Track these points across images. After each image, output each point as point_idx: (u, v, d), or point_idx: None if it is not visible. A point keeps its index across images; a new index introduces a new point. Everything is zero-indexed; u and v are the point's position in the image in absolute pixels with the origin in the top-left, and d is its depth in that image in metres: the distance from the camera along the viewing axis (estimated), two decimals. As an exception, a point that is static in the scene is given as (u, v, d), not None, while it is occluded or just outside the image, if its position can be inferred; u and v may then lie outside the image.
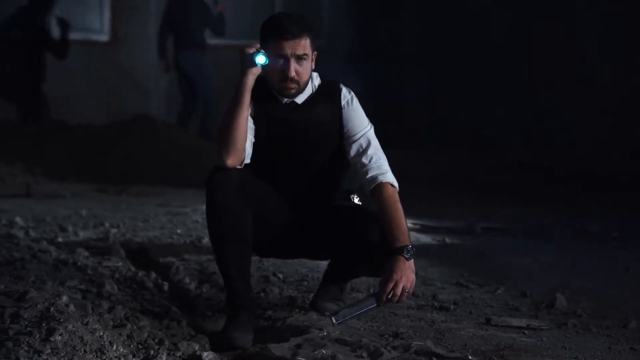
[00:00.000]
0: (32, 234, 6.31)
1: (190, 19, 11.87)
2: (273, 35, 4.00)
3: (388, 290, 3.87)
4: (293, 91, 4.07)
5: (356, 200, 4.31)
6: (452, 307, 4.59)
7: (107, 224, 6.90)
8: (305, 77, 4.06)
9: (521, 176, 10.24)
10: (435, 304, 4.65)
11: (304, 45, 4.00)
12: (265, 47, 4.00)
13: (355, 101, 4.18)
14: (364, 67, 12.76)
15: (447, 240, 6.64)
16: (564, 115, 10.78)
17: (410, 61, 13.66)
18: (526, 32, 11.56)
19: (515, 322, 4.28)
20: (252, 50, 3.97)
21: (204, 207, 7.59)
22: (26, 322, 3.63)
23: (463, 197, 9.09)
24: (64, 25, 12.25)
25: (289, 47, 3.98)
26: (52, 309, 3.78)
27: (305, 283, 5.05)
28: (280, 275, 5.18)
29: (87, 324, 3.66)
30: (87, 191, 9.26)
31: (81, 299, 4.26)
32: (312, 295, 4.64)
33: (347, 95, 4.18)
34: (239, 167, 4.00)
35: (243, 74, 4.00)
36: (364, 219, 4.10)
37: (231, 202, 3.97)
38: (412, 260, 3.93)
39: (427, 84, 13.18)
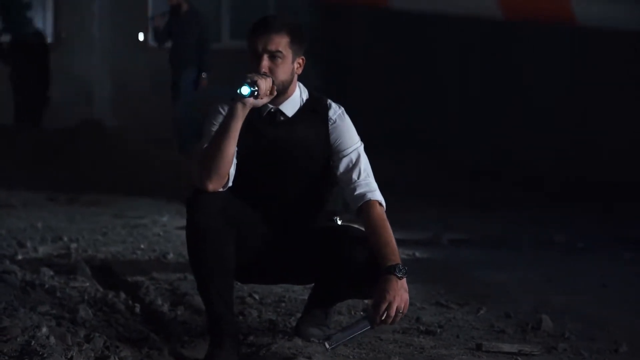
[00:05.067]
0: (-10, 249, 6.13)
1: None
2: (249, 33, 3.91)
3: (382, 312, 3.77)
4: None
5: (339, 222, 4.20)
6: (438, 330, 4.46)
7: (65, 238, 6.70)
8: (281, 77, 3.90)
9: (476, 183, 10.18)
10: (421, 327, 4.52)
11: (278, 42, 3.87)
12: (247, 48, 3.90)
13: (346, 117, 4.07)
14: (309, 73, 12.62)
15: (417, 254, 6.53)
16: (516, 124, 10.77)
17: (357, 68, 13.55)
18: (477, 40, 11.53)
19: (506, 347, 4.17)
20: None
21: (163, 219, 7.65)
22: (6, 357, 3.47)
23: (421, 205, 8.97)
24: None
25: (260, 42, 3.87)
26: (32, 342, 3.64)
27: (284, 304, 4.90)
28: (257, 296, 5.01)
29: (71, 358, 3.52)
30: (37, 200, 9.00)
31: (56, 326, 4.09)
32: (292, 318, 4.52)
33: (337, 110, 4.07)
34: (221, 189, 3.85)
35: (233, 105, 3.81)
36: (350, 239, 3.99)
37: (213, 225, 3.83)
38: (405, 279, 3.82)
39: (377, 91, 13.08)
